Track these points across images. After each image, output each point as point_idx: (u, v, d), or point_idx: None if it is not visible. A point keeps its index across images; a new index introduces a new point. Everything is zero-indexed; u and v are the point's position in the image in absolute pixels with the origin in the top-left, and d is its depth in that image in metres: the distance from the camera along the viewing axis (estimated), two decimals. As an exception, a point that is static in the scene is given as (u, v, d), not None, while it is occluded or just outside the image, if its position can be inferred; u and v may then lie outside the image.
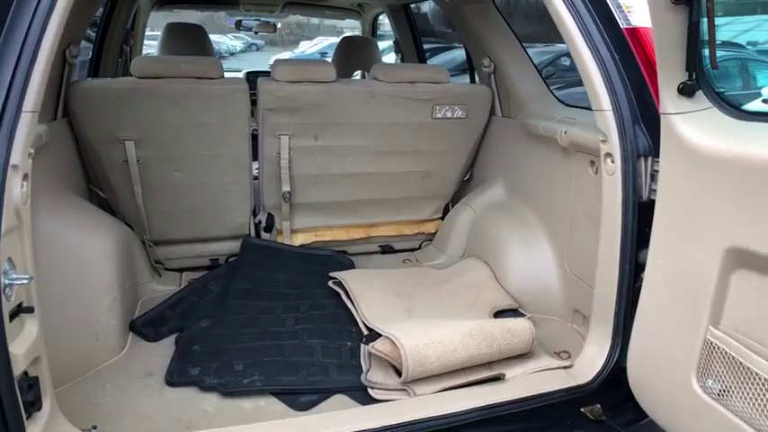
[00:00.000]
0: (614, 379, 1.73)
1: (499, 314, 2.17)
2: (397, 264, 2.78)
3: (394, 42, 3.95)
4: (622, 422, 1.68)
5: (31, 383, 1.22)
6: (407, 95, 2.46)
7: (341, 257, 2.64)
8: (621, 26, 1.61)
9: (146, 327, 2.01)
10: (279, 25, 4.62)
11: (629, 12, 1.61)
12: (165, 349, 1.93)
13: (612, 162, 1.66)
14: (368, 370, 1.79)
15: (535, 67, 2.53)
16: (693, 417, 1.40)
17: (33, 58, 1.17)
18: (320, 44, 18.84)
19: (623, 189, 1.64)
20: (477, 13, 2.56)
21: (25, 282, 1.16)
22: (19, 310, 1.20)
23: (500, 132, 2.65)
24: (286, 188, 2.50)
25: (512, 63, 2.52)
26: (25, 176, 1.20)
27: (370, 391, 1.72)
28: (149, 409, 1.62)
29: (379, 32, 4.65)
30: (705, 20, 1.39)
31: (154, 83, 2.17)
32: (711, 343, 1.34)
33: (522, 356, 1.88)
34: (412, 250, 2.93)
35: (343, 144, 2.51)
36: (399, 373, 1.74)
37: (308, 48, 19.41)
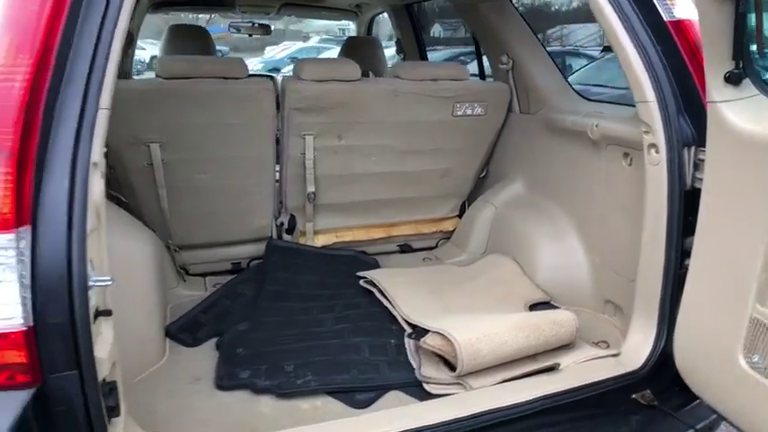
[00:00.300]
0: (661, 364, 1.77)
1: (533, 308, 2.20)
2: (417, 262, 2.78)
3: (396, 42, 3.96)
4: (673, 406, 1.72)
5: (111, 388, 1.18)
6: (429, 93, 2.47)
7: (364, 257, 2.63)
8: (664, 18, 1.65)
9: (182, 332, 1.97)
10: (273, 27, 4.58)
11: (672, 4, 1.65)
12: (205, 354, 1.89)
13: (657, 152, 1.70)
14: (420, 365, 1.79)
15: (554, 62, 2.57)
16: (741, 393, 1.44)
17: (108, 52, 1.14)
18: (289, 49, 18.66)
19: (669, 179, 1.67)
20: (494, 10, 2.59)
21: (108, 284, 1.13)
22: (98, 313, 1.16)
23: (518, 129, 2.68)
24: (311, 189, 2.48)
25: (530, 59, 2.56)
26: (102, 174, 1.17)
27: (425, 386, 1.72)
28: (206, 414, 1.58)
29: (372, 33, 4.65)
30: (752, 10, 1.45)
31: (180, 83, 2.13)
32: (757, 320, 1.39)
33: (565, 347, 1.90)
34: (430, 249, 2.93)
35: (366, 143, 2.51)
36: (451, 368, 1.75)
37: (276, 53, 19.18)
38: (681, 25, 1.65)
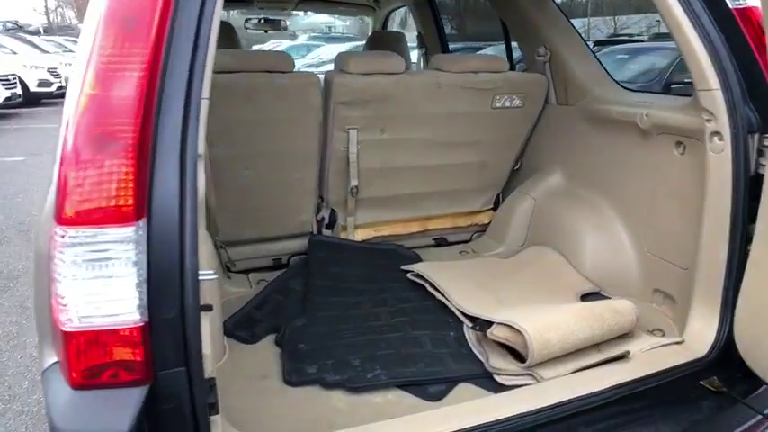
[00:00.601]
0: (725, 351, 1.78)
1: (584, 298, 2.20)
2: (455, 256, 2.77)
3: (417, 36, 3.95)
4: (740, 392, 1.72)
5: (211, 385, 1.17)
6: (470, 85, 2.46)
7: (405, 251, 2.62)
8: (730, 6, 1.65)
9: (238, 329, 1.95)
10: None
11: (738, -8, 1.65)
12: (265, 350, 1.88)
13: (720, 140, 1.70)
14: (487, 357, 1.79)
15: (592, 52, 2.57)
16: None
17: (208, 41, 1.12)
18: (278, 47, 18.47)
19: (734, 166, 1.68)
20: (531, 2, 2.59)
21: (213, 278, 1.11)
22: (200, 308, 1.14)
23: (556, 120, 2.68)
24: (354, 183, 2.47)
25: (569, 50, 2.56)
26: (203, 167, 1.15)
27: (495, 377, 1.72)
28: (281, 411, 1.57)
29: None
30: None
31: (227, 77, 2.10)
32: None
33: (625, 336, 1.91)
34: (464, 242, 2.93)
35: (408, 136, 2.50)
36: (518, 358, 1.75)
37: (265, 52, 18.91)
38: (747, 12, 1.66)
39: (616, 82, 2.51)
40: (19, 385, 2.81)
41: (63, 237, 0.94)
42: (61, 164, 0.97)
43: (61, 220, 0.94)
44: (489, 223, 2.90)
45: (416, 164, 2.60)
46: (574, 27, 2.57)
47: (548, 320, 1.77)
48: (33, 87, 12.86)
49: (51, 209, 1.01)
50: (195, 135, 1.06)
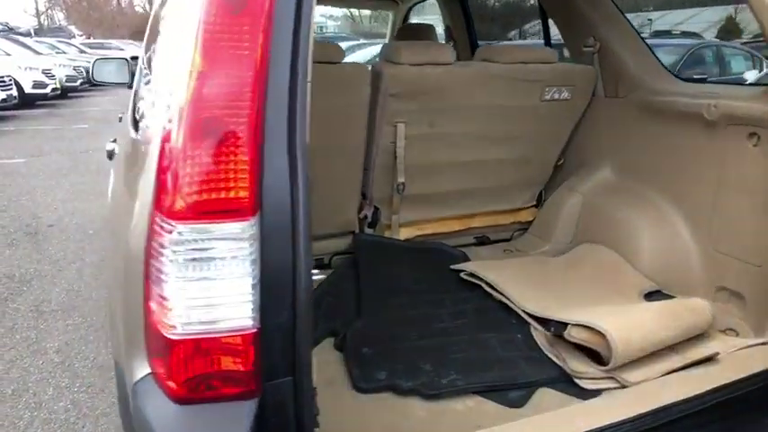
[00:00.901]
0: None
1: (648, 297, 2.11)
2: (498, 254, 2.68)
3: (445, 29, 3.85)
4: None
5: (313, 395, 1.06)
6: (521, 77, 2.37)
7: (452, 250, 2.52)
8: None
9: None
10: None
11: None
12: (325, 355, 1.78)
13: None
14: (564, 360, 1.69)
15: (644, 42, 2.48)
16: None
17: (309, 23, 1.01)
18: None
19: None
20: None
21: (322, 277, 1.01)
22: None
23: (604, 113, 2.59)
24: (401, 179, 2.36)
25: (620, 41, 2.47)
26: None
27: (577, 381, 1.62)
28: (358, 420, 1.46)
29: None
30: None
31: None
32: None
33: (700, 336, 1.82)
34: (506, 240, 2.84)
35: (455, 131, 2.40)
36: (596, 360, 1.66)
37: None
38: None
39: (671, 72, 2.42)
40: (44, 392, 2.69)
41: (171, 233, 0.84)
42: (165, 151, 0.86)
43: (170, 213, 0.84)
44: (532, 221, 2.81)
45: (461, 159, 2.50)
46: (625, 17, 2.48)
47: (627, 321, 1.68)
48: (28, 89, 12.65)
49: (147, 203, 0.90)
50: (304, 120, 0.96)
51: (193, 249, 0.84)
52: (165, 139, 0.86)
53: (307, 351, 0.96)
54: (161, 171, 0.86)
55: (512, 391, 1.59)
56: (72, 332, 3.24)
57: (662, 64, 2.45)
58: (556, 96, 2.48)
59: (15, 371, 2.86)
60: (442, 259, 2.39)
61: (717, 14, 19.69)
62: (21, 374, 2.83)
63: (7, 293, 3.72)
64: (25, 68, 12.80)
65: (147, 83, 1.59)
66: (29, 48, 16.08)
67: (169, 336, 0.87)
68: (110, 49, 22.56)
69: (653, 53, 2.47)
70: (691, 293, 2.12)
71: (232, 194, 0.83)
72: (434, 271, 2.30)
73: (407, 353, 1.72)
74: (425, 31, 3.36)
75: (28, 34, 23.78)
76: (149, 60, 1.47)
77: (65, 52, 18.97)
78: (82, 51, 20.90)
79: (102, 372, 2.84)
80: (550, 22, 3.04)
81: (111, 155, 2.04)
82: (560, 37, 2.82)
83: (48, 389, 2.71)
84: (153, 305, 0.88)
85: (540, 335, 1.85)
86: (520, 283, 2.13)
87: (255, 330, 0.89)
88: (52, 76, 13.49)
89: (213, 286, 0.86)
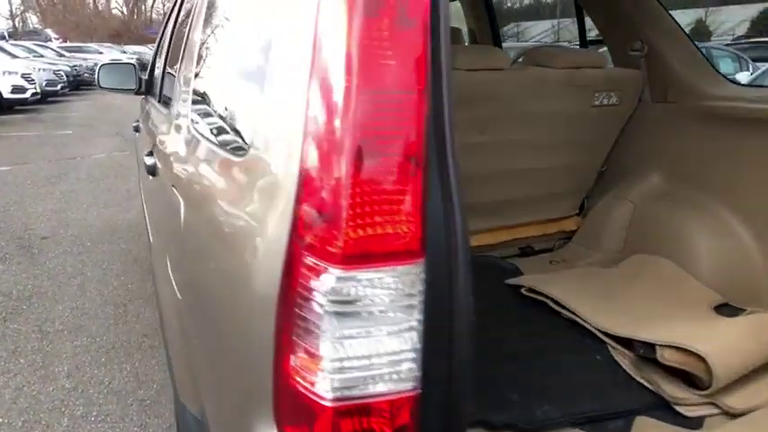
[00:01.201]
0: None
1: (717, 310, 2.02)
2: (544, 266, 2.56)
3: (468, 32, 3.74)
4: None
5: None
6: (573, 82, 2.26)
7: (503, 263, 2.40)
8: None
9: None
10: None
11: None
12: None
13: None
14: (658, 385, 1.58)
15: (695, 45, 2.40)
16: None
17: (447, 26, 0.88)
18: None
19: None
20: None
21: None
22: None
23: (651, 119, 2.50)
24: None
25: (670, 44, 2.38)
26: None
27: (677, 408, 1.51)
28: None
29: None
30: None
31: None
32: None
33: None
34: (549, 250, 2.73)
35: (505, 138, 2.28)
36: (691, 384, 1.55)
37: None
38: None
39: (724, 77, 2.34)
40: (58, 423, 2.48)
41: (328, 278, 0.70)
42: (314, 177, 0.72)
43: (327, 255, 0.70)
44: (576, 230, 2.71)
45: (508, 168, 2.38)
46: (674, 20, 2.40)
47: (722, 341, 1.58)
48: (7, 94, 12.22)
49: (276, 239, 0.76)
50: (452, 142, 0.82)
51: (356, 298, 0.70)
52: (309, 156, 0.72)
53: (469, 409, 0.83)
54: (305, 197, 0.72)
55: (610, 422, 1.47)
56: (81, 354, 3.02)
57: (714, 67, 2.37)
58: (605, 102, 2.38)
59: (24, 399, 2.64)
60: (495, 273, 2.27)
61: (688, 17, 20.08)
62: (30, 403, 2.61)
63: (6, 313, 3.47)
64: (3, 72, 12.35)
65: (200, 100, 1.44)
66: (5, 51, 15.59)
67: (319, 401, 0.72)
68: (89, 52, 22.06)
69: (704, 56, 2.38)
70: (759, 306, 2.04)
71: (403, 231, 0.70)
72: (490, 286, 2.18)
73: (486, 381, 1.60)
74: (453, 35, 3.24)
75: (2, 37, 23.11)
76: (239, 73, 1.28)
77: (42, 56, 18.45)
78: (60, 55, 20.38)
79: (120, 398, 2.65)
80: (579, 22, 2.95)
81: (153, 170, 1.84)
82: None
83: (62, 419, 2.50)
84: (295, 363, 0.74)
85: (620, 355, 1.74)
86: (585, 299, 2.01)
87: (418, 393, 0.75)
88: (32, 81, 13.06)
89: (375, 342, 0.72)
